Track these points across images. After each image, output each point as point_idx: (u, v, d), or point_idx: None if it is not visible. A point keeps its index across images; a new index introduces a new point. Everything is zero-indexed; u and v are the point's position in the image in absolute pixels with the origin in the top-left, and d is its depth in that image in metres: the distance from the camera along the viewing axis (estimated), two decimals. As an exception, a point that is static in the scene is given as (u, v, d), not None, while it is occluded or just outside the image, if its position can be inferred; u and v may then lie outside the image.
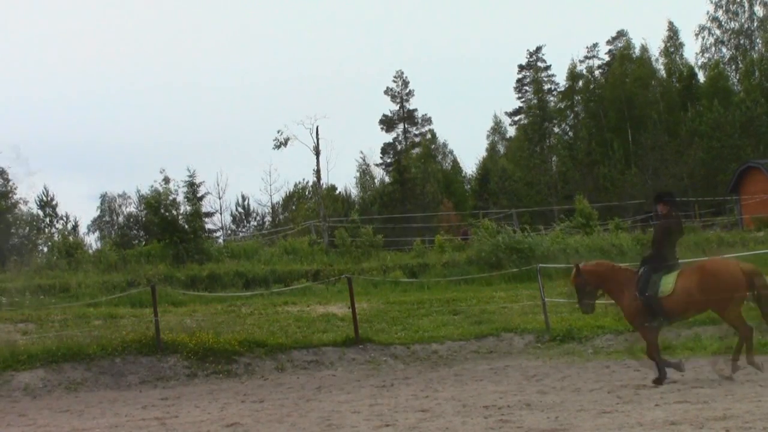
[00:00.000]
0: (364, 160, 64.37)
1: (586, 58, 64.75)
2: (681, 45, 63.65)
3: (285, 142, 40.67)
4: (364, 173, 64.03)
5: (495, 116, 72.04)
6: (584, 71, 64.38)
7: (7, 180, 52.91)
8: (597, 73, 64.80)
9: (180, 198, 31.93)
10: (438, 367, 14.99)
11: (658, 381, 10.65)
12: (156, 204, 31.02)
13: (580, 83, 63.91)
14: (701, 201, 45.72)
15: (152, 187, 31.79)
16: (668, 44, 63.42)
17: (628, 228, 38.32)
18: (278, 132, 40.76)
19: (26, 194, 54.98)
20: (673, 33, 63.42)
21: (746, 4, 63.03)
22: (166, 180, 31.42)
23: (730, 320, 10.81)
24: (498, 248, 27.63)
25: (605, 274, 11.30)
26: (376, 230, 36.28)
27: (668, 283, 10.67)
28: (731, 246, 28.53)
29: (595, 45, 65.04)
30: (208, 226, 40.04)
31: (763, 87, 57.74)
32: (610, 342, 15.58)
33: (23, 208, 51.61)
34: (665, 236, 10.98)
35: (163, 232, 30.44)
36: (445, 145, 68.73)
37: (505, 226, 32.25)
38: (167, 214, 30.74)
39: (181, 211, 31.66)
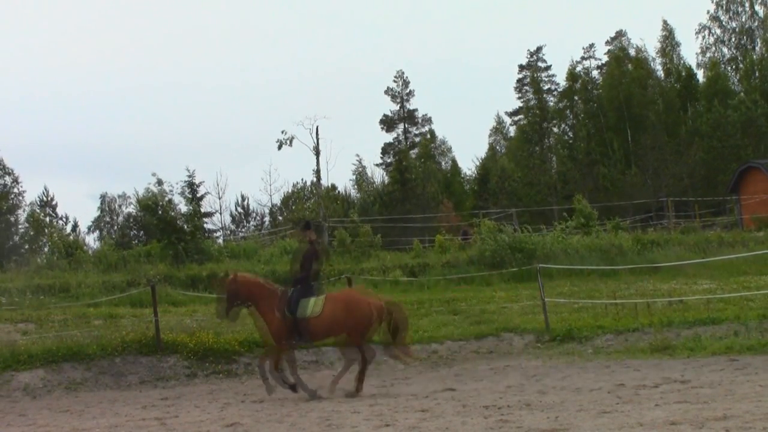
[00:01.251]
0: (360, 162, 64.39)
1: (583, 58, 64.79)
2: (677, 44, 63.69)
3: (289, 142, 40.69)
4: (361, 175, 64.03)
5: (497, 116, 72.10)
6: (581, 72, 64.33)
7: (16, 181, 53.15)
8: (595, 73, 64.81)
9: (176, 198, 32.07)
10: (438, 367, 14.99)
11: (269, 391, 11.58)
12: (153, 205, 31.08)
13: (579, 83, 63.88)
14: (701, 201, 45.73)
15: (147, 189, 31.93)
16: (665, 44, 63.40)
17: (628, 228, 38.35)
18: (282, 132, 40.79)
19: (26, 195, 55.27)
20: (668, 32, 63.41)
21: (747, 4, 63.04)
22: (159, 182, 31.56)
23: (357, 348, 11.80)
24: (502, 247, 27.64)
25: (258, 287, 11.89)
26: (376, 230, 36.29)
27: (316, 305, 11.55)
28: (731, 246, 28.56)
29: (591, 45, 65.03)
30: (208, 226, 40.13)
31: (764, 87, 57.73)
32: (610, 342, 15.58)
33: (27, 209, 51.92)
34: (311, 262, 11.84)
35: (161, 232, 30.48)
36: (443, 142, 68.70)
37: (506, 226, 32.28)
38: (165, 214, 30.80)
39: (179, 212, 31.77)
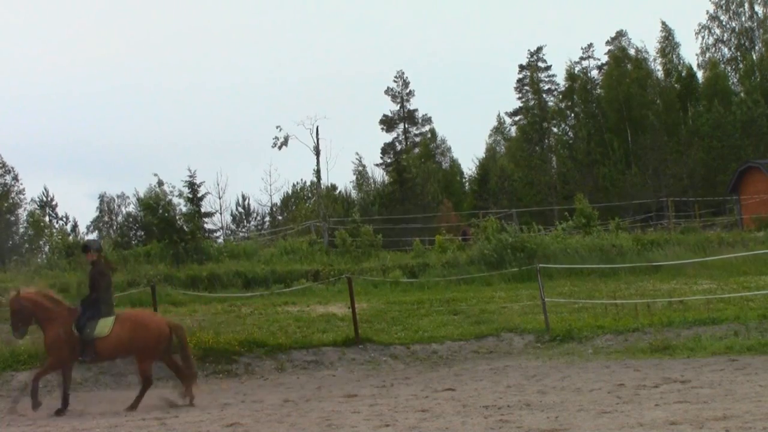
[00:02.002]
0: (360, 161, 64.39)
1: (581, 59, 64.79)
2: (677, 45, 63.76)
3: (285, 142, 40.78)
4: (361, 175, 64.02)
5: (499, 116, 72.05)
6: (580, 72, 64.33)
7: (16, 179, 53.14)
8: (594, 73, 64.82)
9: (176, 199, 32.08)
10: (438, 367, 14.99)
11: (34, 407, 11.27)
12: (155, 205, 31.11)
13: (578, 84, 63.87)
14: (701, 201, 45.72)
15: (149, 188, 31.97)
16: (664, 44, 63.46)
17: (628, 228, 38.35)
18: (277, 128, 40.90)
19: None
20: (667, 33, 63.47)
21: (746, 4, 63.07)
22: (160, 183, 31.63)
23: (141, 369, 11.76)
24: (503, 247, 27.60)
25: (41, 304, 11.72)
26: (376, 230, 36.26)
27: (105, 326, 11.50)
28: (731, 246, 28.55)
29: (590, 45, 65.01)
30: (208, 226, 40.12)
31: (764, 87, 57.76)
32: (610, 342, 15.58)
33: (27, 207, 51.91)
34: (98, 282, 11.76)
35: (161, 232, 30.49)
36: (443, 141, 68.66)
37: (509, 225, 32.25)
38: (165, 214, 30.82)
39: (179, 212, 31.79)
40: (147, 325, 11.68)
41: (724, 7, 63.58)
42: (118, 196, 64.07)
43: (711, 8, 63.97)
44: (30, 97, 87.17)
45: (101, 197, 64.76)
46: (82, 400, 12.89)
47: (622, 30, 64.94)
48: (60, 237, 34.72)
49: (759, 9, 62.91)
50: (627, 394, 9.86)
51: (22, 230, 50.35)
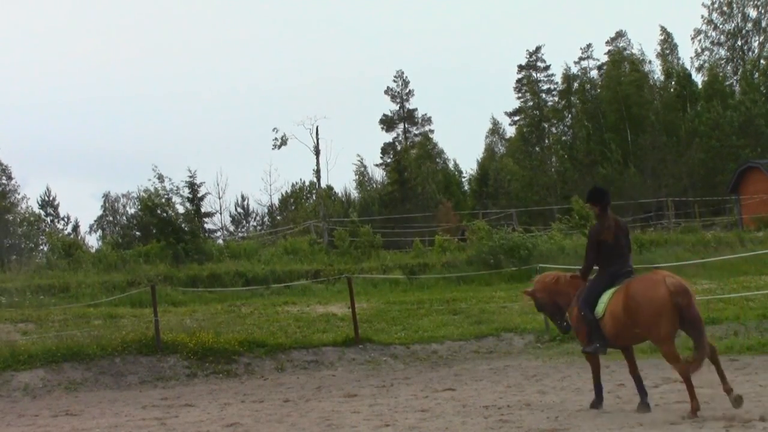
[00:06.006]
0: (361, 162, 64.33)
1: (580, 59, 64.74)
2: (675, 46, 63.91)
3: (285, 142, 40.83)
4: (362, 175, 63.93)
5: (492, 117, 72.08)
6: (579, 72, 64.35)
7: (10, 178, 53.04)
8: (594, 73, 64.80)
9: (175, 198, 31.94)
10: (438, 367, 14.99)
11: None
12: (152, 204, 30.98)
13: (576, 84, 63.88)
14: (701, 201, 45.73)
15: (146, 187, 31.79)
16: (663, 47, 63.63)
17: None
18: (274, 130, 40.99)
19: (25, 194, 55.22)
20: (666, 35, 63.59)
21: (737, 6, 63.22)
22: (160, 178, 31.37)
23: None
24: (497, 250, 27.54)
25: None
26: (376, 230, 36.23)
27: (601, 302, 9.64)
28: (731, 246, 28.54)
29: (588, 46, 64.95)
30: (208, 226, 40.10)
31: (762, 87, 57.87)
32: (609, 342, 15.57)
33: (24, 206, 51.84)
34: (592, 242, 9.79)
35: (161, 232, 30.40)
36: (435, 144, 68.57)
37: (504, 226, 32.19)
38: (164, 214, 30.70)
39: (178, 212, 31.67)
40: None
41: (718, 10, 63.84)
42: (123, 195, 64.01)
43: (705, 12, 64.40)
44: (34, 97, 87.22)
45: (105, 197, 64.74)
46: (82, 400, 12.89)
47: (621, 30, 65.03)
48: (58, 238, 34.63)
49: (751, 11, 63.13)
50: (627, 394, 9.87)
51: (20, 230, 50.27)
